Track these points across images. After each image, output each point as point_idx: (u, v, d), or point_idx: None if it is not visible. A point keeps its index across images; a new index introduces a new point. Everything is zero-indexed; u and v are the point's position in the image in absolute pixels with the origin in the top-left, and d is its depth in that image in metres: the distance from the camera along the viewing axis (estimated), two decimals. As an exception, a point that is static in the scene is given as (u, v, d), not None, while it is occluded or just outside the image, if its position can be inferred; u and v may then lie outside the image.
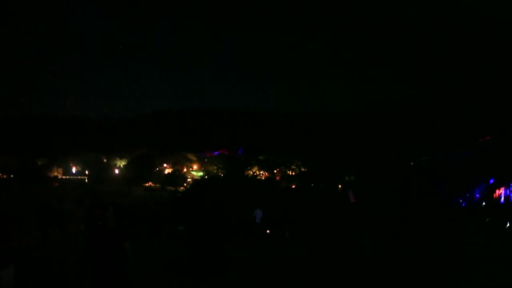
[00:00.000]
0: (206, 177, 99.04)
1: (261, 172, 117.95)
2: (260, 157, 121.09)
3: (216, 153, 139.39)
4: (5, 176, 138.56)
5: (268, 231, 26.69)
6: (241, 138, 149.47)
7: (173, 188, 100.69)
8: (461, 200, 20.72)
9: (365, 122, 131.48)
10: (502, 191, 24.03)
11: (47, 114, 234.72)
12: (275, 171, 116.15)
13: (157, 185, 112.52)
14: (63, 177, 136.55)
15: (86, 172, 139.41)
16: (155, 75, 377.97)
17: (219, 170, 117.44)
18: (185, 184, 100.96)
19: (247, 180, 79.49)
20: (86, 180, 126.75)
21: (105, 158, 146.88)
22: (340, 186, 67.56)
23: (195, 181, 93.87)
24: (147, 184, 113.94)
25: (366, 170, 66.80)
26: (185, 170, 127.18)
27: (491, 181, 24.23)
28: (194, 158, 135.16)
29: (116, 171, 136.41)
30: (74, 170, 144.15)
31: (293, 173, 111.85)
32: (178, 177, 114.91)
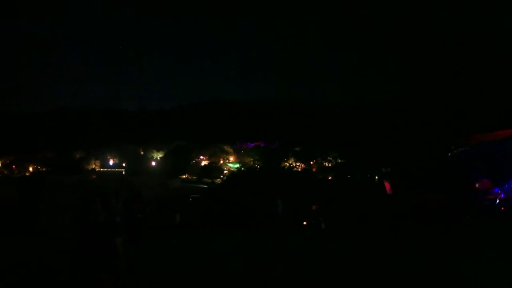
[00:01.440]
0: (243, 168, 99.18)
1: (298, 164, 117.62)
2: (296, 149, 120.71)
3: (252, 144, 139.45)
4: (44, 169, 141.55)
5: (304, 222, 26.61)
6: (277, 130, 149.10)
7: (209, 180, 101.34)
8: (499, 191, 20.14)
9: (403, 111, 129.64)
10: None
11: (84, 107, 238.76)
12: (311, 162, 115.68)
13: (194, 177, 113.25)
14: (101, 169, 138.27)
15: (123, 164, 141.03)
16: (191, 67, 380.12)
17: (256, 162, 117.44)
18: (221, 176, 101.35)
19: (283, 172, 79.42)
20: (124, 173, 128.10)
21: (142, 151, 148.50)
22: (377, 177, 66.73)
23: (232, 173, 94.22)
24: (183, 176, 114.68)
25: (403, 161, 65.90)
26: (221, 162, 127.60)
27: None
28: (231, 150, 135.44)
29: (153, 163, 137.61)
30: (111, 162, 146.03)
31: (330, 165, 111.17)
32: (214, 169, 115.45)
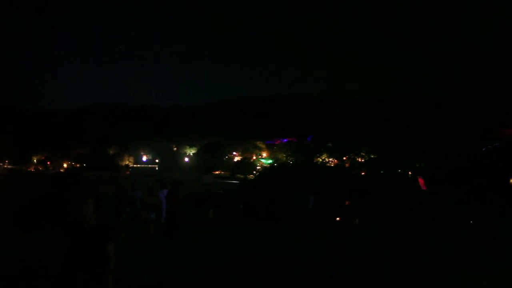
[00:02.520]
0: (275, 164, 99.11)
1: (330, 159, 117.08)
2: (329, 144, 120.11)
3: (285, 140, 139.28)
4: (78, 165, 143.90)
5: (337, 218, 26.49)
6: (310, 125, 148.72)
7: (242, 176, 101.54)
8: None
9: (434, 107, 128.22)
10: None
11: (117, 104, 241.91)
12: (344, 158, 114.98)
13: (227, 173, 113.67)
14: (134, 165, 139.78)
15: (156, 160, 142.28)
16: (224, 63, 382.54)
17: (288, 158, 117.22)
18: (254, 172, 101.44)
19: (315, 167, 79.23)
20: (157, 169, 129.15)
21: (175, 147, 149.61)
22: (410, 173, 66.08)
23: (264, 168, 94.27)
24: (216, 172, 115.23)
25: (437, 157, 65.21)
26: (254, 157, 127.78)
27: None
28: (263, 146, 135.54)
29: (186, 159, 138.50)
30: (144, 158, 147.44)
31: (362, 160, 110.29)
32: (247, 164, 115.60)
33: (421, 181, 26.17)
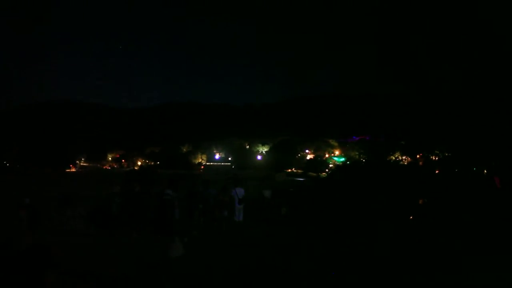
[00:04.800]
0: (348, 162, 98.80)
1: (404, 157, 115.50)
2: (402, 142, 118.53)
3: (357, 138, 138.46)
4: (152, 163, 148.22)
5: (411, 217, 26.63)
6: (383, 124, 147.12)
7: (314, 174, 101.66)
8: None
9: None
10: None
11: (190, 101, 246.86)
12: (417, 156, 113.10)
13: (299, 171, 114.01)
14: (207, 163, 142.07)
15: (229, 158, 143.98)
16: (296, 61, 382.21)
17: (361, 156, 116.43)
18: (326, 170, 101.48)
19: (388, 165, 78.44)
20: (233, 166, 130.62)
21: (248, 145, 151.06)
22: (485, 171, 64.35)
23: (337, 166, 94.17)
24: (289, 170, 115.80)
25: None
26: (326, 155, 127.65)
27: None
28: (336, 144, 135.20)
29: (258, 157, 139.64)
30: (217, 156, 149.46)
31: (436, 158, 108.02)
32: (320, 162, 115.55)
33: (497, 179, 25.95)
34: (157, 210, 10.97)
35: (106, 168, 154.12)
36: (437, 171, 76.65)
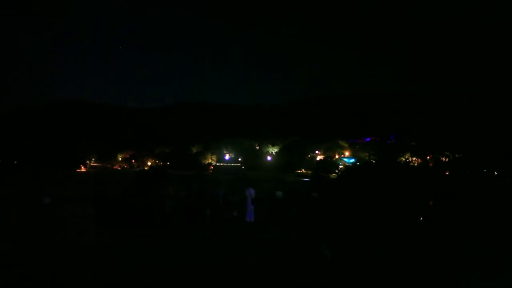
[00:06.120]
0: (358, 163, 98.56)
1: (414, 158, 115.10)
2: (412, 143, 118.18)
3: (367, 139, 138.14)
4: (161, 163, 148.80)
5: (420, 218, 26.54)
6: (393, 124, 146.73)
7: (325, 175, 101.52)
8: None
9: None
10: None
11: (200, 102, 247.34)
12: (428, 157, 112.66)
13: (309, 171, 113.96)
14: (217, 164, 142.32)
15: (239, 159, 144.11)
16: (306, 62, 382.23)
17: (371, 157, 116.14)
18: (336, 171, 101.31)
19: (398, 166, 78.13)
20: (243, 167, 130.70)
21: (258, 145, 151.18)
22: (496, 172, 63.97)
23: (346, 167, 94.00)
24: (299, 171, 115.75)
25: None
26: (336, 156, 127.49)
27: None
28: (346, 145, 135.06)
29: (268, 158, 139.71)
30: (227, 157, 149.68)
31: (447, 159, 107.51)
32: (329, 163, 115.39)
33: (507, 181, 25.84)
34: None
35: (116, 168, 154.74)
36: (447, 173, 76.34)
